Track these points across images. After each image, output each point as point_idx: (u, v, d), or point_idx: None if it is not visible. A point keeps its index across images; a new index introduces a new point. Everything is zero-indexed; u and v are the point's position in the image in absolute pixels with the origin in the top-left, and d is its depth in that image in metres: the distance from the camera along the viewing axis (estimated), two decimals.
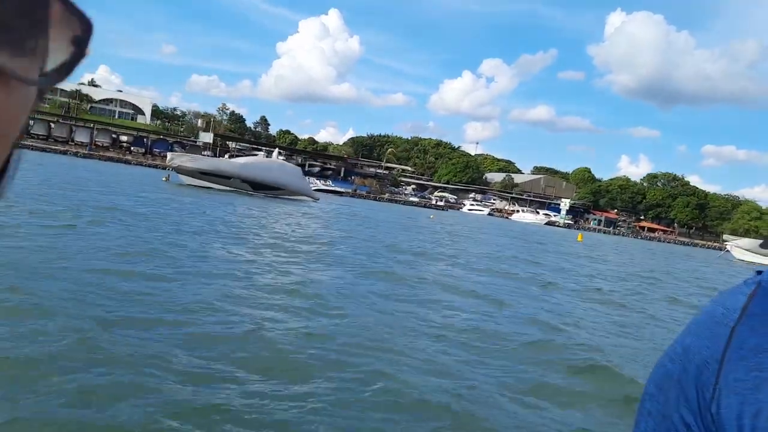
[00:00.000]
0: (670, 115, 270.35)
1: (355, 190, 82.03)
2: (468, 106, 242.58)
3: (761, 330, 0.62)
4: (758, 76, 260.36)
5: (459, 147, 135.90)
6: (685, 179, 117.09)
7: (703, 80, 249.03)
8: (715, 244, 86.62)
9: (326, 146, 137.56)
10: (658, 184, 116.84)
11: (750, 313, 0.64)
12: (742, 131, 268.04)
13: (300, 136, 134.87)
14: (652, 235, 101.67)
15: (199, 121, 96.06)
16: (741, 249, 53.25)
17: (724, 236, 63.52)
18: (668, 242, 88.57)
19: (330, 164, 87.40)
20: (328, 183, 77.34)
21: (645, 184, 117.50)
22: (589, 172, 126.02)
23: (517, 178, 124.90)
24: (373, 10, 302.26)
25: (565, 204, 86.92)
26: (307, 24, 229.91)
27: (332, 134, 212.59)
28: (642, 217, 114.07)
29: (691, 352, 0.67)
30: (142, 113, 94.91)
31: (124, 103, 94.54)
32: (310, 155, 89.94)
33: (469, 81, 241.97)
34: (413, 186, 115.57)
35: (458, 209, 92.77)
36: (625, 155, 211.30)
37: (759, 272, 0.74)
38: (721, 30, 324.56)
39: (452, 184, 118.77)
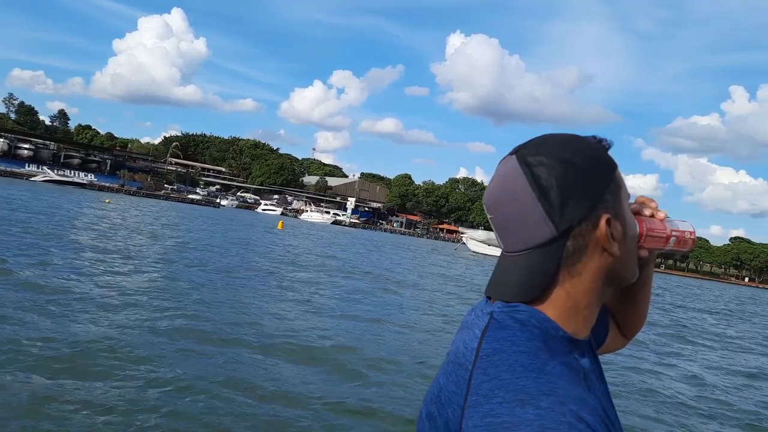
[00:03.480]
0: (503, 131, 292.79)
1: (122, 185, 74.15)
2: (319, 115, 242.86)
3: (492, 373, 0.63)
4: (575, 100, 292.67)
5: (278, 149, 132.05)
6: (484, 184, 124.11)
7: (531, 101, 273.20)
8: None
9: (127, 142, 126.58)
10: (460, 188, 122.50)
11: (482, 355, 0.66)
12: None
13: (101, 132, 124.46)
14: (449, 235, 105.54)
15: None
16: (475, 241, 54.60)
17: (461, 228, 66.04)
18: (449, 240, 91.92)
19: (95, 156, 78.28)
20: (69, 174, 68.67)
21: (448, 188, 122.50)
22: (409, 177, 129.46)
23: (333, 182, 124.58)
24: (220, 13, 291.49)
25: (350, 203, 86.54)
26: (148, 22, 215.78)
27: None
28: (446, 220, 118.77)
29: (444, 394, 0.68)
30: None
31: None
32: (72, 145, 79.98)
33: (320, 91, 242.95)
34: (217, 186, 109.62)
35: (254, 209, 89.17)
36: (463, 167, 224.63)
37: (489, 297, 0.75)
38: (544, 56, 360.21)
39: (266, 186, 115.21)
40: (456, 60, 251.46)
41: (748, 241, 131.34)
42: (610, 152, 0.74)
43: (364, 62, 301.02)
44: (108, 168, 77.06)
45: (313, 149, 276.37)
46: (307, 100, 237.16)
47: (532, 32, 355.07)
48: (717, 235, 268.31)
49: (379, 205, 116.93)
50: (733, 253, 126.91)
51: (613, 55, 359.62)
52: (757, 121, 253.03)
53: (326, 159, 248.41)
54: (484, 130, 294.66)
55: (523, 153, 0.73)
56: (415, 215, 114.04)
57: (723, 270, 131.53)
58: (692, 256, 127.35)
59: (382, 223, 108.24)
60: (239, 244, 22.01)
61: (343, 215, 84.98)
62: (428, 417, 0.70)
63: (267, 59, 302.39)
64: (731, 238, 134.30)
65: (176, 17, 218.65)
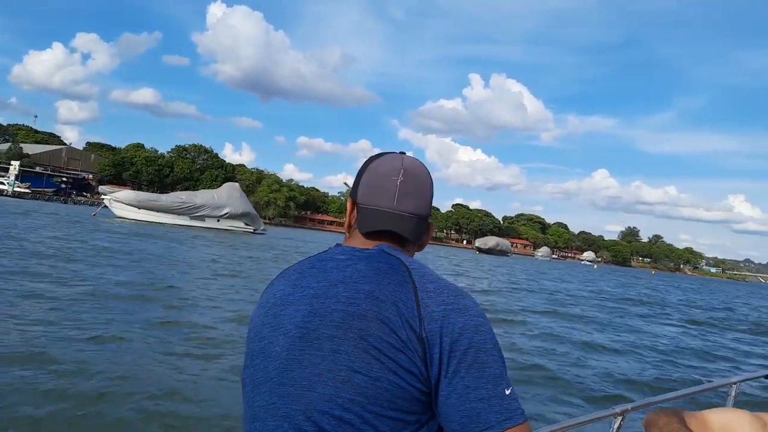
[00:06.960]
0: (270, 107, 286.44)
1: None
2: (60, 82, 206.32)
3: (430, 278, 0.90)
4: (340, 80, 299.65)
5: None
6: (215, 152, 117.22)
7: (297, 78, 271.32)
8: None
9: None
10: (188, 156, 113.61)
11: (411, 268, 0.92)
12: (329, 126, 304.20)
13: None
14: None
15: None
16: (121, 204, 45.75)
17: (101, 188, 58.45)
18: None
19: None
20: None
21: (174, 156, 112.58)
22: (142, 147, 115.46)
23: (33, 149, 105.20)
24: None
25: (14, 168, 72.12)
26: None
27: None
28: (172, 190, 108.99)
29: (382, 293, 0.87)
30: None
31: None
32: None
33: (61, 55, 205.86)
34: None
35: None
36: (229, 143, 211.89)
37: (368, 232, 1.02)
38: (308, 35, 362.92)
39: None
40: (218, 30, 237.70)
41: (466, 207, 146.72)
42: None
43: (114, 27, 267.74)
44: None
45: (35, 117, 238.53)
46: (44, 65, 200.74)
47: (294, 9, 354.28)
48: None
49: (86, 175, 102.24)
50: (453, 219, 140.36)
51: (371, 39, 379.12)
52: (490, 106, 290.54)
53: (70, 131, 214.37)
54: (250, 105, 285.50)
55: (416, 160, 1.05)
56: (128, 185, 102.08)
57: (445, 234, 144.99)
58: None
59: (84, 195, 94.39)
60: None
61: (6, 184, 70.08)
62: (349, 315, 0.86)
63: None
64: (453, 205, 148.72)
65: None
